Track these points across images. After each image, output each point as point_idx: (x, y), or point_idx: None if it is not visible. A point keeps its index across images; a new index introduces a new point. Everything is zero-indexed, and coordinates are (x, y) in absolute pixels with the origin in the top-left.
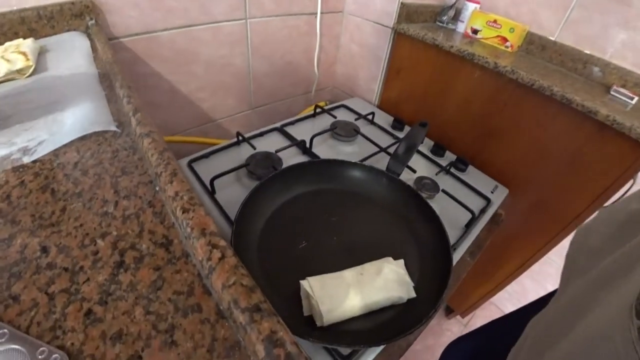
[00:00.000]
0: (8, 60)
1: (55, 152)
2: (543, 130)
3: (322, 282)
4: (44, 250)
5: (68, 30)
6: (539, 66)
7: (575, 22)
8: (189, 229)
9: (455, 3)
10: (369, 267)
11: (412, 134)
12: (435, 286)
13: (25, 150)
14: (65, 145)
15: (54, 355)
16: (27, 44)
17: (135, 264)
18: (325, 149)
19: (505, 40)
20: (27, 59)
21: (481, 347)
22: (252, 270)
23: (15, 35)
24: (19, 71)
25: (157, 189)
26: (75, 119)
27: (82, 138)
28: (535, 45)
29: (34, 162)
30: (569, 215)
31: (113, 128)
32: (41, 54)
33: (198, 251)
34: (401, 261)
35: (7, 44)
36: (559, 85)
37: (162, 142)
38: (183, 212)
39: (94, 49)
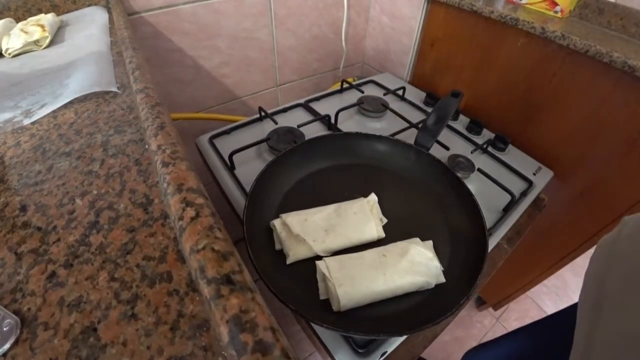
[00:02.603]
0: (27, 32)
1: (55, 114)
2: (598, 104)
3: (340, 262)
4: (23, 208)
5: (89, 5)
6: (596, 32)
7: None
8: (165, 184)
9: None
10: (393, 248)
11: (443, 104)
12: (467, 273)
13: (27, 113)
14: (65, 107)
15: (6, 320)
16: (46, 18)
17: (109, 225)
18: (351, 125)
19: (554, 4)
20: (44, 31)
21: (503, 357)
22: (265, 248)
23: (39, 12)
24: (36, 42)
25: (147, 146)
26: (77, 82)
27: (83, 100)
28: (590, 9)
29: (33, 123)
30: (624, 204)
31: (113, 89)
32: (61, 27)
33: (172, 209)
34: (430, 242)
35: (30, 18)
36: (619, 51)
37: (156, 97)
38: (162, 166)
39: (111, 22)
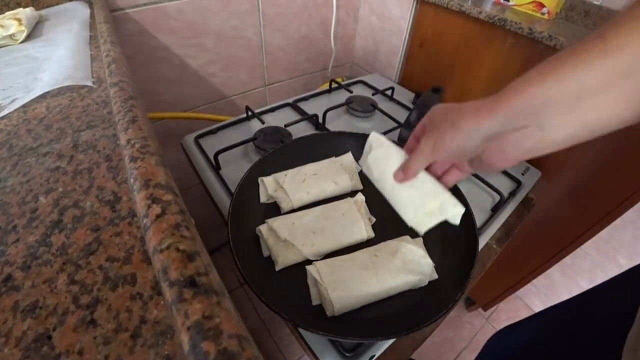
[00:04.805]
0: (2, 26)
1: (25, 109)
2: None
3: (331, 266)
4: None
5: (70, 0)
6: (582, 33)
7: None
8: (132, 180)
9: None
10: (384, 247)
11: (424, 100)
12: (459, 268)
13: None
14: (36, 102)
15: None
16: (24, 12)
17: (73, 224)
18: (339, 125)
19: (541, 6)
20: (20, 25)
21: (530, 339)
22: (252, 255)
23: (18, 6)
24: (12, 36)
25: (119, 142)
26: (52, 75)
27: (57, 94)
28: (576, 12)
29: (2, 118)
30: (610, 204)
31: (88, 83)
32: (40, 22)
33: (137, 206)
34: (420, 239)
35: (7, 12)
36: None
37: (130, 91)
38: (130, 161)
39: (92, 17)
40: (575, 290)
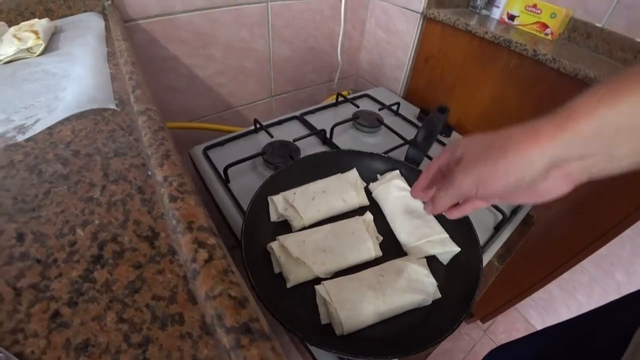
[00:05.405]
0: (19, 39)
1: (50, 131)
2: None
3: (339, 286)
4: (20, 237)
5: (85, 11)
6: (584, 55)
7: (627, 7)
8: (174, 221)
9: None
10: (389, 267)
11: (430, 119)
12: (462, 289)
13: (20, 129)
14: (61, 124)
15: None
16: (40, 23)
17: (114, 260)
18: (346, 139)
19: (545, 26)
20: (38, 38)
21: (529, 359)
22: (263, 272)
23: (32, 15)
24: (29, 49)
25: (149, 173)
26: (74, 96)
27: (80, 116)
28: (578, 33)
29: (27, 140)
30: (609, 222)
31: (112, 106)
32: (55, 33)
33: (183, 249)
34: (423, 259)
35: (23, 23)
36: (606, 75)
37: (158, 121)
38: (170, 201)
39: (108, 29)
40: (573, 304)
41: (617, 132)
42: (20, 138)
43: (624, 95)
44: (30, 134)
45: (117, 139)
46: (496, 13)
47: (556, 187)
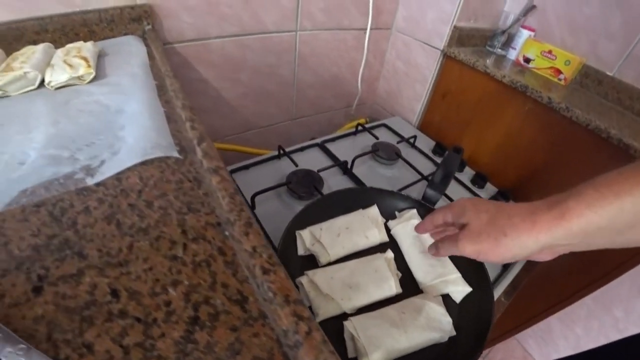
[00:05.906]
0: (70, 66)
1: (118, 176)
2: (595, 172)
3: (365, 323)
4: (114, 293)
5: (125, 34)
6: (594, 102)
7: (638, 59)
8: (270, 293)
9: (508, 28)
10: (409, 304)
11: (447, 160)
12: (475, 326)
13: (88, 170)
14: (127, 169)
15: None
16: (87, 48)
17: (210, 322)
18: (365, 171)
19: (559, 72)
20: (89, 66)
21: None
22: None
23: (76, 37)
24: (80, 77)
25: (227, 234)
26: (136, 140)
27: (144, 162)
28: (590, 79)
29: (97, 185)
30: (613, 261)
31: (175, 154)
32: (100, 56)
33: (282, 320)
34: (439, 297)
35: (69, 46)
36: (616, 127)
37: (231, 182)
38: (264, 273)
39: (150, 55)
40: (571, 337)
41: (597, 230)
42: (90, 181)
43: (607, 204)
44: (99, 177)
45: (186, 192)
46: (512, 54)
47: (542, 258)
